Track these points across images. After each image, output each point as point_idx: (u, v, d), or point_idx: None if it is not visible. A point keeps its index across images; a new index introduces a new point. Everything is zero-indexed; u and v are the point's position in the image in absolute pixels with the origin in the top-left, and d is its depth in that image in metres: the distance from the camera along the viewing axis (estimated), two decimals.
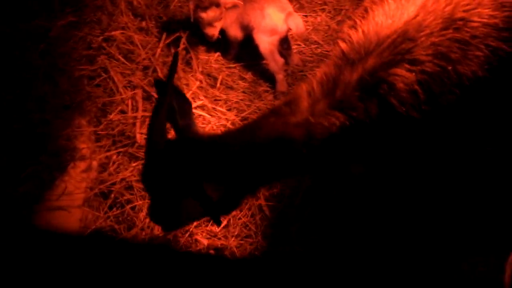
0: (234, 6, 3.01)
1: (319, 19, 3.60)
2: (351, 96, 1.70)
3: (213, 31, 3.04)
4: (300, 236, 2.60)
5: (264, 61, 3.32)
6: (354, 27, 1.84)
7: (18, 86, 2.58)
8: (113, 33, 3.08)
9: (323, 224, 2.63)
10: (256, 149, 1.78)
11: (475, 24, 1.70)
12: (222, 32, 3.23)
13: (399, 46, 1.69)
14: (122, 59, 3.01)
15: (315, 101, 1.76)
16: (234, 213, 2.73)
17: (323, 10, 3.68)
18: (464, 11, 1.72)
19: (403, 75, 1.67)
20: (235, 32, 3.25)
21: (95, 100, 2.80)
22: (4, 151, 2.43)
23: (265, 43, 3.11)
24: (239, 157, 1.79)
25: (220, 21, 3.04)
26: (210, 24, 3.01)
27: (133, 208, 2.67)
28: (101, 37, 3.03)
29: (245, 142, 1.80)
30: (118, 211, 2.66)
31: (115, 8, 3.29)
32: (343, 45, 1.82)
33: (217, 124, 3.02)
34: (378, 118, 1.70)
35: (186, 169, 1.77)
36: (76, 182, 2.68)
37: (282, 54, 3.23)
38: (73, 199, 2.66)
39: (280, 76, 3.17)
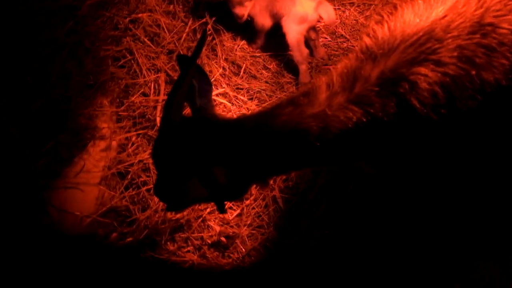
0: None
1: (347, 13, 3.56)
2: (370, 91, 1.67)
3: (243, 11, 3.05)
4: (311, 230, 2.61)
5: (289, 52, 3.30)
6: (380, 22, 1.80)
7: (42, 62, 2.61)
8: (140, 15, 3.08)
9: (336, 221, 2.64)
10: (269, 136, 1.77)
11: (504, 31, 1.66)
12: (250, 20, 3.22)
13: (424, 45, 1.66)
14: (148, 42, 3.02)
15: (333, 94, 1.73)
16: (248, 202, 2.75)
17: (352, 4, 3.63)
18: (494, 16, 1.67)
19: (426, 74, 1.64)
20: (264, 20, 3.24)
21: (118, 81, 2.82)
22: (26, 125, 2.47)
23: (294, 31, 3.10)
24: (251, 142, 1.78)
25: (250, 0, 3.03)
26: (240, 3, 3.00)
27: (148, 190, 2.70)
28: (128, 19, 3.04)
29: (259, 127, 1.78)
30: (134, 192, 2.70)
31: None
32: (367, 39, 1.78)
33: (237, 112, 3.03)
34: (395, 117, 1.67)
35: (197, 148, 1.77)
36: (95, 161, 2.72)
37: (308, 46, 3.21)
38: (91, 177, 2.70)
39: (303, 67, 3.16)
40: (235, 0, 3.02)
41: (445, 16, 1.69)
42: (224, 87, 3.09)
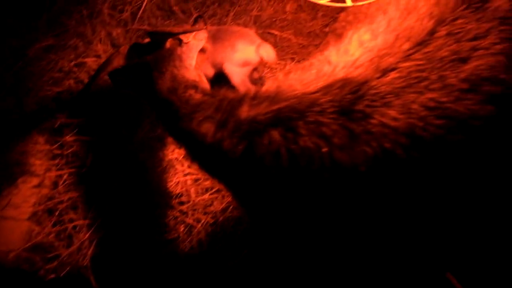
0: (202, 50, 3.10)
1: (287, 67, 3.75)
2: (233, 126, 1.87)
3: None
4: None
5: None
6: (274, 76, 1.98)
7: None
8: (86, 59, 3.24)
9: None
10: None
11: (375, 121, 1.73)
12: None
13: (284, 113, 1.79)
14: None
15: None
16: None
17: (292, 59, 3.83)
18: (368, 106, 1.74)
19: (273, 136, 1.77)
20: (206, 71, 3.37)
21: (54, 121, 2.94)
22: None
23: (237, 74, 3.20)
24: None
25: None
26: None
27: (74, 227, 2.78)
28: (74, 62, 3.18)
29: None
30: (61, 228, 2.77)
31: (95, 36, 3.47)
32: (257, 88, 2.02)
33: None
34: (240, 158, 1.84)
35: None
36: (25, 197, 2.80)
37: (253, 81, 3.34)
38: (19, 212, 2.77)
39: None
40: None
41: (316, 92, 1.81)
42: None
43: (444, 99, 1.73)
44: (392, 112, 1.72)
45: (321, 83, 1.84)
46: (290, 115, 1.78)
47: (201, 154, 2.05)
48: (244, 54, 3.18)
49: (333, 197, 1.83)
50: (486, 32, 1.79)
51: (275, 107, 1.82)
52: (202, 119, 1.94)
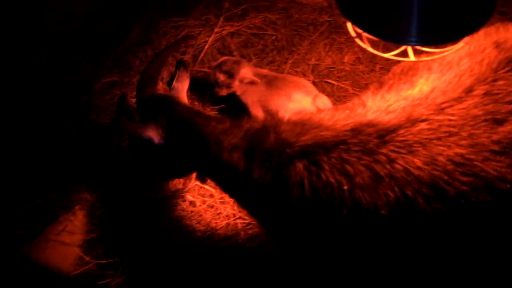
0: (252, 82, 3.17)
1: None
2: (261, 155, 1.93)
3: (220, 92, 3.22)
4: None
5: None
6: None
7: (45, 127, 2.86)
8: None
9: None
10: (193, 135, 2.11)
11: (399, 167, 1.74)
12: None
13: (311, 147, 1.84)
14: None
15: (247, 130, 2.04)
16: None
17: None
18: (393, 151, 1.77)
19: (299, 168, 1.82)
20: (256, 112, 3.39)
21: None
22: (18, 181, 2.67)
23: None
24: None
25: (228, 90, 3.21)
26: (219, 85, 3.19)
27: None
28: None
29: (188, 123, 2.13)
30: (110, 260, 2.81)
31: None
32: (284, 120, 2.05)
33: None
34: (268, 189, 1.90)
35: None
36: (80, 224, 2.87)
37: None
38: (74, 239, 2.83)
39: None
40: (215, 80, 3.18)
41: (344, 130, 1.86)
42: None
43: (472, 157, 1.73)
44: (417, 161, 1.74)
45: (350, 124, 1.88)
46: (316, 149, 1.82)
47: (231, 183, 2.13)
48: (300, 105, 3.22)
49: (351, 234, 1.85)
50: None
51: (302, 138, 1.87)
52: (231, 148, 1.99)
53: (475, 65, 1.94)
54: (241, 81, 3.14)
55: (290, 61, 3.52)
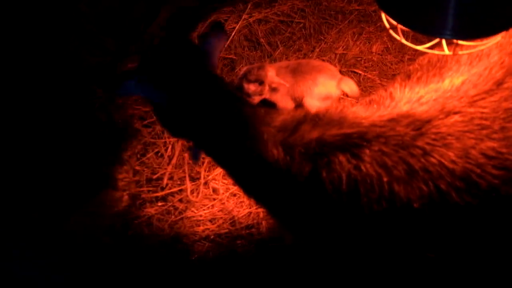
0: (279, 86, 3.13)
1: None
2: (298, 146, 1.84)
3: (255, 101, 3.20)
4: None
5: None
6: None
7: (73, 113, 2.89)
8: None
9: None
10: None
11: (434, 161, 1.73)
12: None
13: (352, 139, 1.80)
14: None
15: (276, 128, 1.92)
16: None
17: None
18: (428, 143, 1.75)
19: (342, 161, 1.78)
20: (286, 104, 3.40)
21: (140, 139, 3.06)
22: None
23: (316, 107, 3.19)
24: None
25: (260, 96, 3.17)
26: (249, 96, 3.16)
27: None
28: None
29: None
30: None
31: None
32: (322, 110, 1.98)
33: None
34: (306, 181, 1.83)
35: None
36: (105, 208, 2.92)
37: None
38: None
39: None
40: (245, 92, 3.07)
41: (382, 123, 1.82)
42: None
43: (504, 150, 1.73)
44: (451, 154, 1.73)
45: (385, 115, 1.85)
46: (358, 142, 1.79)
47: (265, 174, 1.96)
48: (326, 89, 3.18)
49: (385, 227, 1.84)
50: None
51: (342, 131, 1.83)
52: (266, 138, 1.91)
53: (506, 57, 1.92)
54: (270, 86, 3.11)
55: (317, 50, 3.49)
